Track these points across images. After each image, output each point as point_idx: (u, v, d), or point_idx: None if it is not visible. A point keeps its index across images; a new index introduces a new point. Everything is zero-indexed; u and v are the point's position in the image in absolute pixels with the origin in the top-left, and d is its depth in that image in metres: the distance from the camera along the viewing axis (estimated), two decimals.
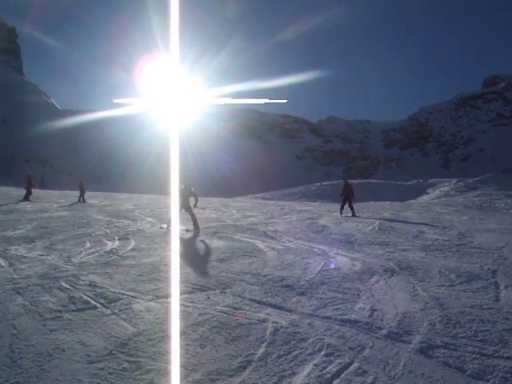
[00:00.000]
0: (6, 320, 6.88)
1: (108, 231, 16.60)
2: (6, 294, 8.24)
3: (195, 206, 19.47)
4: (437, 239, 15.28)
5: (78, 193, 39.13)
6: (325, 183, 73.51)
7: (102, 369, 5.36)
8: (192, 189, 19.67)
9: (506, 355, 6.04)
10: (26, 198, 34.66)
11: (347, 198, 27.75)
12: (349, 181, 30.28)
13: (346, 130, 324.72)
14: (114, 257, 11.89)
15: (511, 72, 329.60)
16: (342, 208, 27.68)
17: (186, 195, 19.25)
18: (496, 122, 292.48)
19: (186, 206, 19.12)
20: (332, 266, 10.84)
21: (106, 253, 12.45)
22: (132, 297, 8.21)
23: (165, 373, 5.22)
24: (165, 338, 6.23)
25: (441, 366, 5.68)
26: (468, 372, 5.54)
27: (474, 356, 5.98)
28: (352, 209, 27.20)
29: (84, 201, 36.10)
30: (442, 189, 63.45)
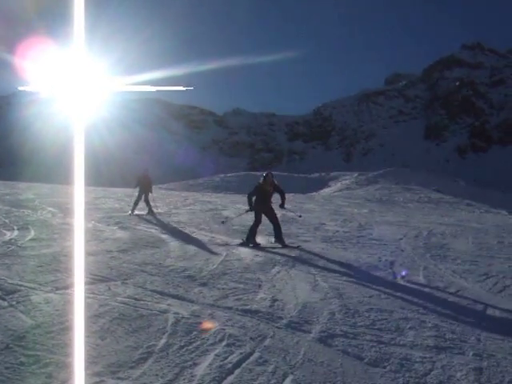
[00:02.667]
0: None
1: (7, 221, 16.11)
2: None
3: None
4: (337, 231, 15.62)
5: None
6: (229, 175, 73.62)
7: None
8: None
9: (401, 343, 6.23)
10: None
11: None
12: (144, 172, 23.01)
13: (252, 122, 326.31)
14: (13, 247, 11.56)
15: (412, 71, 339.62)
16: (136, 204, 21.38)
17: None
18: (397, 119, 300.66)
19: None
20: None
21: (4, 243, 12.09)
22: (31, 288, 8.01)
23: (64, 366, 5.12)
24: (64, 330, 6.11)
25: (340, 355, 5.80)
26: (366, 360, 5.68)
27: (371, 344, 6.14)
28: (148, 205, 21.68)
29: None
30: (344, 182, 64.61)
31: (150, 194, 22.09)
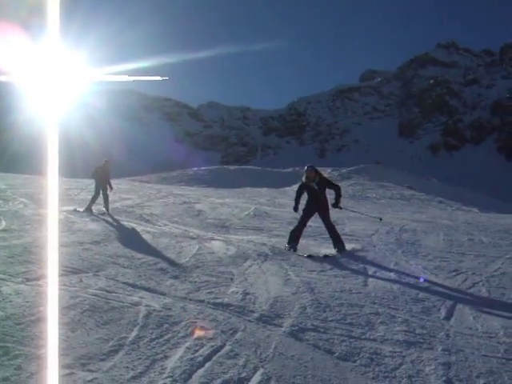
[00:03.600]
0: None
1: None
2: None
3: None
4: (310, 226, 15.59)
5: None
6: (202, 168, 73.33)
7: None
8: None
9: (372, 337, 6.29)
10: None
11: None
12: (106, 160, 20.68)
13: (226, 115, 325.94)
14: None
15: (387, 68, 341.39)
16: (93, 201, 19.10)
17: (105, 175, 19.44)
18: (371, 115, 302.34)
19: (104, 187, 19.19)
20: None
21: None
22: (1, 279, 7.94)
23: (34, 358, 5.09)
24: (35, 321, 6.07)
25: (311, 349, 5.84)
26: (336, 354, 5.73)
27: (342, 338, 6.18)
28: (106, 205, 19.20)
29: None
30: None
31: (108, 189, 19.67)
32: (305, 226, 12.65)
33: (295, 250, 11.95)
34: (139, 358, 5.29)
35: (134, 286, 8.04)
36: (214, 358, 5.38)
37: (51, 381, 4.69)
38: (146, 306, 6.98)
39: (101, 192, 19.57)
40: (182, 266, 9.67)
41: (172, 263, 9.87)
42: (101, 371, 4.97)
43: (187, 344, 5.70)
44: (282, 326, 6.50)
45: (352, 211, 15.24)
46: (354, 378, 5.16)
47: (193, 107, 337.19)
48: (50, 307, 6.50)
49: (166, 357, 5.35)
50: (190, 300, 7.44)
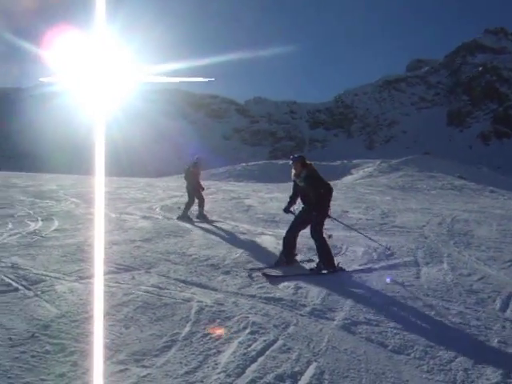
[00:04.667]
0: None
1: (31, 212, 16.22)
2: None
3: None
4: (360, 218, 15.54)
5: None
6: (251, 163, 73.35)
7: (24, 352, 5.26)
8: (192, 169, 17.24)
9: (426, 330, 6.21)
10: None
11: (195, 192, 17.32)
12: (196, 164, 17.94)
13: (273, 110, 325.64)
14: (37, 238, 11.64)
15: (434, 57, 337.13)
16: (188, 209, 16.70)
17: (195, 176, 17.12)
18: (419, 105, 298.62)
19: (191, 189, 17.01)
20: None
21: (28, 234, 12.17)
22: (55, 278, 8.07)
23: (89, 354, 5.16)
24: (89, 319, 6.15)
25: (364, 342, 5.80)
26: (390, 347, 5.68)
27: (395, 331, 6.13)
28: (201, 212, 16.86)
29: None
30: (366, 169, 64.18)
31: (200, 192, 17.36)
32: (296, 232, 10.02)
33: (287, 262, 9.81)
34: (192, 354, 5.32)
35: (185, 282, 8.09)
36: (267, 352, 5.38)
37: (106, 377, 4.74)
38: (198, 301, 7.01)
39: (193, 195, 17.27)
40: (233, 262, 9.68)
41: (223, 259, 9.89)
42: (154, 367, 5.01)
43: (240, 339, 5.71)
44: (334, 320, 6.47)
45: (337, 221, 11.80)
46: (408, 372, 5.11)
47: (240, 103, 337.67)
48: (103, 305, 6.59)
49: (218, 352, 5.37)
50: (242, 295, 7.45)
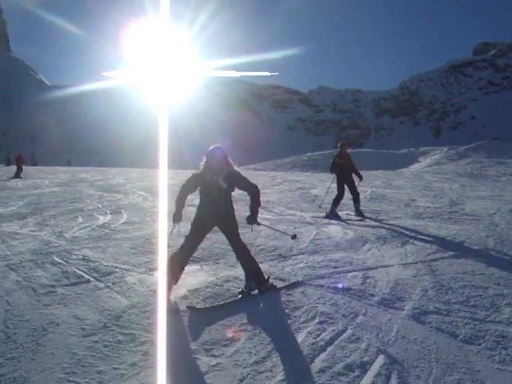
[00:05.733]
0: (0, 296, 6.87)
1: (100, 206, 16.54)
2: None
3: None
4: (428, 207, 15.30)
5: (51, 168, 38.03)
6: (316, 153, 73.21)
7: (96, 342, 5.38)
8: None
9: (497, 320, 6.10)
10: (17, 176, 34.23)
11: (346, 180, 15.14)
12: (348, 150, 16.01)
13: (337, 99, 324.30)
14: (107, 231, 11.86)
15: (502, 39, 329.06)
16: (338, 203, 14.89)
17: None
18: (487, 90, 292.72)
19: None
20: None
21: (98, 227, 12.42)
22: (125, 270, 8.22)
23: (159, 344, 5.24)
24: (158, 309, 6.25)
25: (433, 332, 5.73)
26: (460, 337, 5.59)
27: (466, 321, 6.03)
28: (356, 201, 14.81)
29: (20, 177, 34.05)
30: (433, 157, 63.37)
31: (356, 181, 15.27)
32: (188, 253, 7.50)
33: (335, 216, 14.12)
34: (261, 343, 5.35)
35: None
36: (336, 342, 5.37)
37: (176, 366, 4.81)
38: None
39: (345, 188, 15.08)
40: (301, 252, 9.66)
41: (290, 249, 9.87)
42: (224, 356, 5.06)
43: (308, 329, 5.71)
44: (403, 309, 6.41)
45: (270, 228, 9.92)
46: (480, 362, 5.02)
47: (303, 93, 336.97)
48: (172, 295, 6.68)
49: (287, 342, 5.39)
50: (310, 285, 7.44)
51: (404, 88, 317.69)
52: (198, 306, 6.59)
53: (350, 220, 13.50)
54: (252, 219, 7.70)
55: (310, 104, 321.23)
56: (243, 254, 7.53)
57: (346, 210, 15.10)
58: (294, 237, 7.81)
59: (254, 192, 7.79)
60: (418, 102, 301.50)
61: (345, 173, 15.08)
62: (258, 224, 7.90)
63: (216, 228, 7.51)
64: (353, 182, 15.05)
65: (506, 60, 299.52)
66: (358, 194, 14.95)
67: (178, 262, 7.12)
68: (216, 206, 7.52)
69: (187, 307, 6.51)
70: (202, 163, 7.56)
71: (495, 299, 6.88)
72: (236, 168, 7.75)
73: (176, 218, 7.41)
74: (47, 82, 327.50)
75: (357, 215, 14.39)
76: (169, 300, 6.60)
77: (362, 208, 14.76)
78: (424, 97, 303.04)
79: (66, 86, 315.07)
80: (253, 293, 7.07)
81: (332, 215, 14.35)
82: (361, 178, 15.40)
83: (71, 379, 4.62)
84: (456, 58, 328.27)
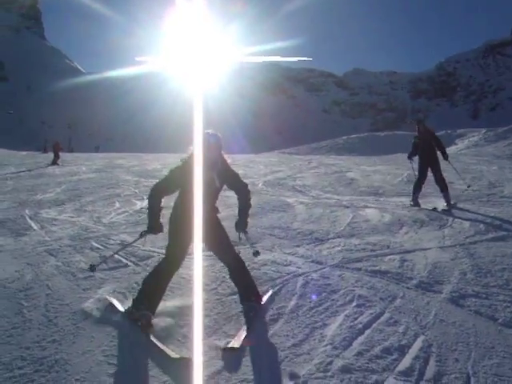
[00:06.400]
0: (40, 281, 6.98)
1: (137, 191, 16.67)
2: (39, 256, 8.33)
3: None
4: (466, 189, 15.13)
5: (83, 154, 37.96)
6: (352, 136, 72.74)
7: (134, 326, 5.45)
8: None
9: None
10: (54, 163, 34.53)
11: (428, 162, 13.40)
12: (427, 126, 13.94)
13: (372, 81, 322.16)
14: (144, 216, 11.95)
15: None
16: (419, 188, 13.45)
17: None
18: None
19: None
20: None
21: (135, 212, 12.54)
22: (163, 254, 8.29)
23: (194, 327, 5.29)
24: (193, 293, 6.29)
25: (472, 315, 5.69)
26: (500, 320, 5.55)
27: (505, 304, 5.98)
28: (443, 189, 13.04)
29: (57, 163, 33.89)
30: (471, 139, 62.57)
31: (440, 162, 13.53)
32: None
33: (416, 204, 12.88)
34: (299, 327, 5.36)
35: (290, 255, 8.13)
36: (374, 325, 5.36)
37: (211, 350, 4.85)
38: (304, 275, 7.03)
39: (428, 172, 13.46)
40: (337, 235, 9.65)
41: (327, 232, 9.86)
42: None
43: (346, 312, 5.71)
44: (441, 293, 6.37)
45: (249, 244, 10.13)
46: None
47: (338, 76, 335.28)
48: (208, 278, 6.73)
49: (325, 325, 5.39)
50: (347, 268, 7.43)
51: (440, 69, 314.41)
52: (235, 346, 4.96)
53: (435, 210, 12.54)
54: (243, 225, 6.48)
55: (345, 87, 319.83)
56: (240, 269, 6.12)
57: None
58: (256, 253, 6.15)
59: (246, 192, 6.55)
60: (455, 84, 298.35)
61: (425, 151, 13.32)
62: (246, 232, 6.58)
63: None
64: (437, 162, 13.27)
65: None
66: (443, 180, 13.12)
67: (160, 278, 6.02)
68: (204, 210, 5.70)
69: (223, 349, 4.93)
70: (188, 153, 6.06)
71: None
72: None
73: (155, 227, 6.43)
74: (82, 70, 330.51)
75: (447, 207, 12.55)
76: None
77: (452, 201, 12.93)
78: (461, 78, 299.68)
79: (101, 73, 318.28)
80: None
81: (414, 204, 13.04)
82: (445, 156, 13.62)
83: (111, 361, 4.69)
84: (493, 38, 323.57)
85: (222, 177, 6.13)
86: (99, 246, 8.93)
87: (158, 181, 6.49)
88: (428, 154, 13.28)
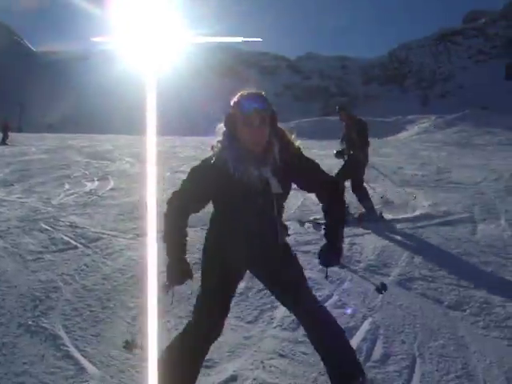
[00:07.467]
0: None
1: (87, 172, 16.52)
2: None
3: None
4: (415, 174, 15.36)
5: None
6: (303, 120, 73.11)
7: (84, 307, 5.41)
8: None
9: (482, 286, 6.15)
10: (3, 142, 33.98)
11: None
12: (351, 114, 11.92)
13: (325, 66, 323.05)
14: (94, 197, 11.87)
15: (492, 8, 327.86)
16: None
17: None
18: (476, 59, 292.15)
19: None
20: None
21: (85, 193, 12.43)
22: (113, 236, 8.24)
23: (147, 309, 5.27)
24: (145, 275, 6.27)
25: (419, 298, 5.78)
26: (445, 303, 5.65)
27: (451, 288, 6.08)
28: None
29: (5, 143, 34.15)
30: (421, 125, 63.43)
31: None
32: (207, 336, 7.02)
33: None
34: (248, 308, 5.40)
35: None
36: None
37: (164, 331, 4.84)
38: None
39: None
40: (289, 218, 9.56)
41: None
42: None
43: None
44: (389, 276, 6.47)
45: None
46: (464, 328, 5.08)
47: (291, 59, 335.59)
48: (160, 261, 6.72)
49: (273, 307, 5.42)
50: (297, 251, 7.44)
51: (393, 56, 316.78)
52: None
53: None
54: (335, 256, 3.78)
55: (297, 70, 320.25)
56: (320, 322, 3.61)
57: None
58: (382, 287, 3.93)
59: (338, 195, 3.77)
60: (406, 70, 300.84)
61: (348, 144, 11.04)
62: (343, 266, 5.01)
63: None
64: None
65: (496, 29, 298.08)
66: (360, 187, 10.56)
67: (190, 360, 3.68)
68: (257, 231, 3.57)
69: None
70: (218, 140, 3.62)
71: (480, 266, 6.95)
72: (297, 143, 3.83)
73: (175, 273, 3.79)
74: (33, 48, 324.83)
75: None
76: None
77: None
78: (413, 65, 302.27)
79: (52, 53, 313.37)
80: None
81: (373, 214, 10.07)
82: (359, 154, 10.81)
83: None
84: (446, 26, 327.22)
85: (287, 172, 3.60)
86: (48, 228, 8.82)
87: (176, 189, 3.85)
88: (348, 147, 10.99)
